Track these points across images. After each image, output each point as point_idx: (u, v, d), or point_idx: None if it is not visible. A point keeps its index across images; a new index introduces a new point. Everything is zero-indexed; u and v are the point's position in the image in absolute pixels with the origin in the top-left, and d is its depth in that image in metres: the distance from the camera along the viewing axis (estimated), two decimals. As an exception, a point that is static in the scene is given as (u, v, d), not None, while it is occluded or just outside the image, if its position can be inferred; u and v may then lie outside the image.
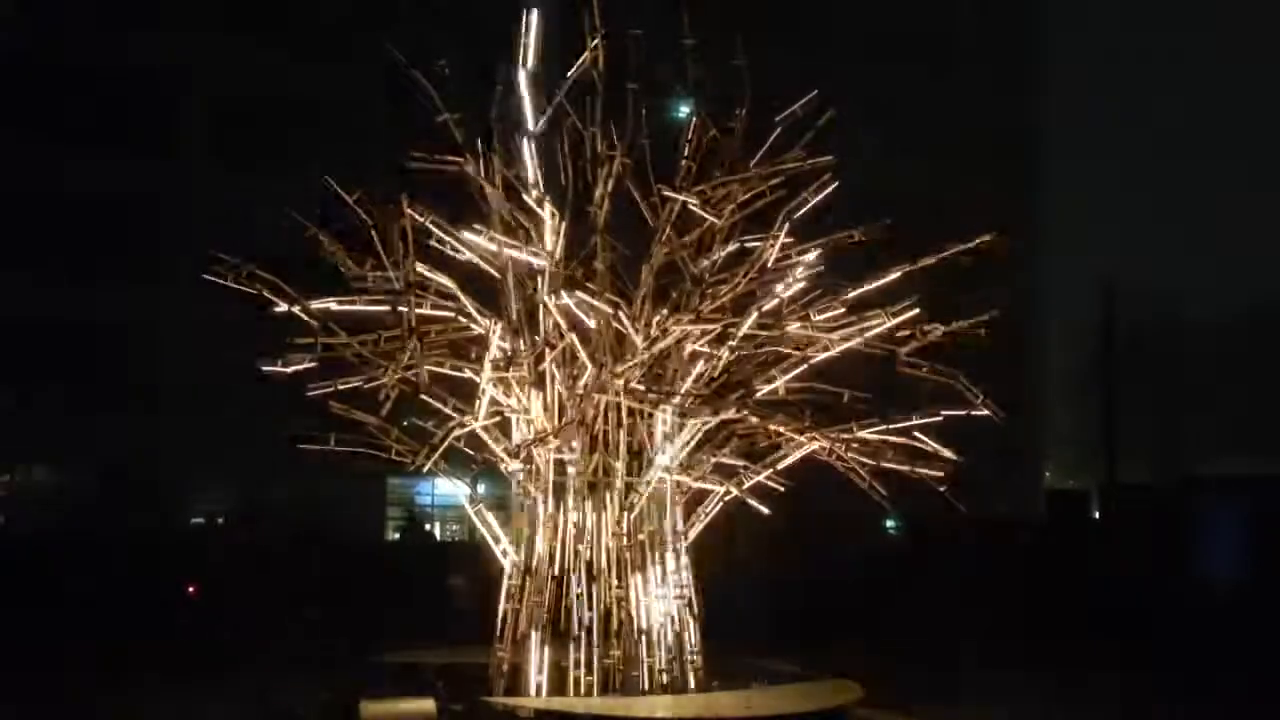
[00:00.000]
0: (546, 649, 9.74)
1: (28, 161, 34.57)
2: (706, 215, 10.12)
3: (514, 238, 10.25)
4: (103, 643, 16.63)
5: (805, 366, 10.19)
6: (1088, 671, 15.86)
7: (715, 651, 10.36)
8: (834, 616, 19.63)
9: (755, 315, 9.94)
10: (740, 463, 10.20)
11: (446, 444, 9.63)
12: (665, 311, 10.24)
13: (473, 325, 10.26)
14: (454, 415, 10.03)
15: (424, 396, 9.97)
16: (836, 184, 10.30)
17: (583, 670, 9.67)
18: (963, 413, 9.90)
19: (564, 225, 10.10)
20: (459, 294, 10.19)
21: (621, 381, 9.89)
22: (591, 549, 9.87)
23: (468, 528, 27.94)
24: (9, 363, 33.98)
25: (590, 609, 9.74)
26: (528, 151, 10.23)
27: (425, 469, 9.93)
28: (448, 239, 10.25)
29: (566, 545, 9.91)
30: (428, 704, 9.92)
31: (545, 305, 10.02)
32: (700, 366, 10.24)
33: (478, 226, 10.29)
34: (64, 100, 35.48)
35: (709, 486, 10.24)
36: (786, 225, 10.05)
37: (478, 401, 10.08)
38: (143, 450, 33.92)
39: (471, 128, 10.23)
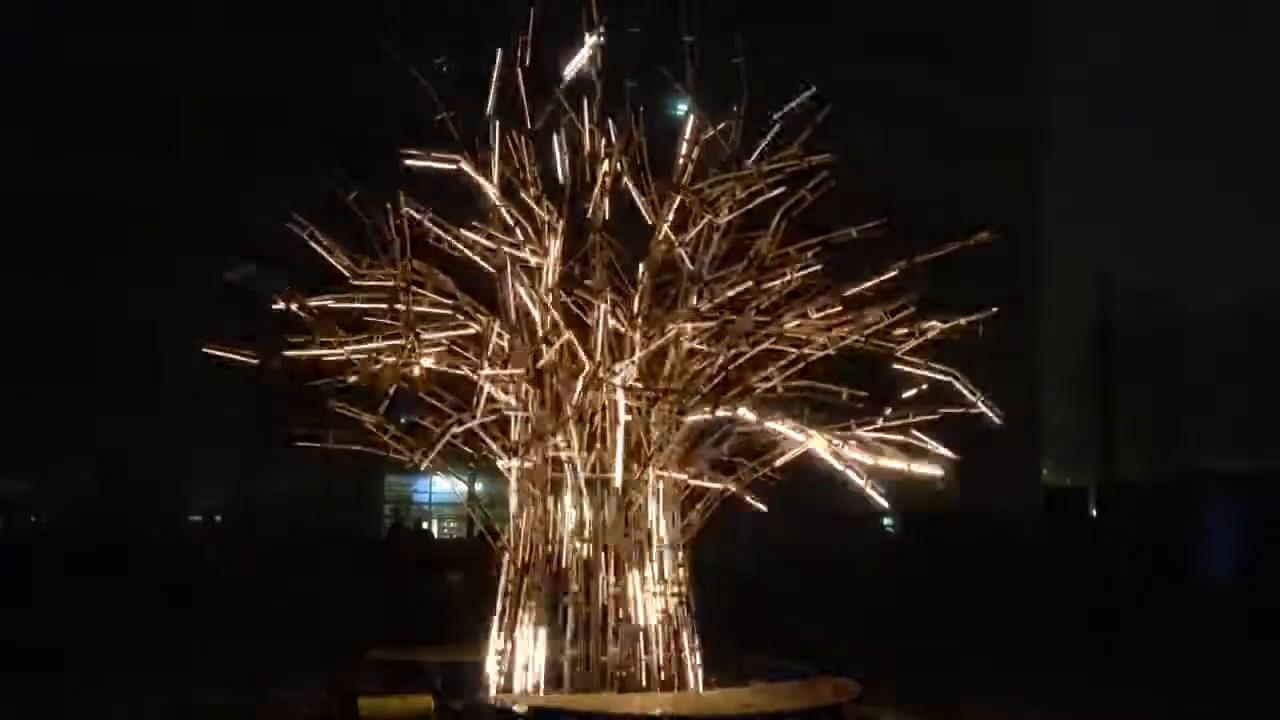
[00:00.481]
0: (544, 646, 9.73)
1: (26, 161, 34.60)
2: (704, 213, 10.12)
3: (512, 235, 10.25)
4: (103, 641, 16.67)
5: (803, 364, 10.19)
6: (1087, 669, 15.87)
7: (713, 649, 10.35)
8: (832, 614, 19.66)
9: (753, 312, 9.93)
10: (738, 459, 10.19)
11: (444, 442, 9.62)
12: (663, 309, 10.24)
13: (470, 323, 10.26)
14: (452, 413, 10.03)
15: (422, 394, 9.97)
16: (835, 183, 10.30)
17: (580, 667, 9.66)
18: (961, 411, 9.88)
19: (562, 223, 10.09)
20: (456, 292, 10.19)
21: (619, 379, 9.89)
22: (589, 546, 9.86)
23: (466, 525, 27.99)
24: (9, 363, 34.01)
25: (587, 606, 9.73)
26: (525, 149, 10.23)
27: (423, 467, 9.92)
28: (445, 237, 10.25)
29: (564, 543, 9.91)
30: (425, 701, 9.93)
31: (543, 303, 10.02)
32: (698, 364, 10.24)
33: (475, 224, 10.30)
34: (62, 99, 35.50)
35: (707, 484, 10.23)
36: (784, 223, 10.05)
37: (475, 399, 10.09)
38: (141, 448, 33.94)
39: (469, 125, 10.23)
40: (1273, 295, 55.40)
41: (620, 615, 9.72)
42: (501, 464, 10.35)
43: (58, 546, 24.48)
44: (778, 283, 10.05)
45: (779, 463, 10.04)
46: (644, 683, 9.69)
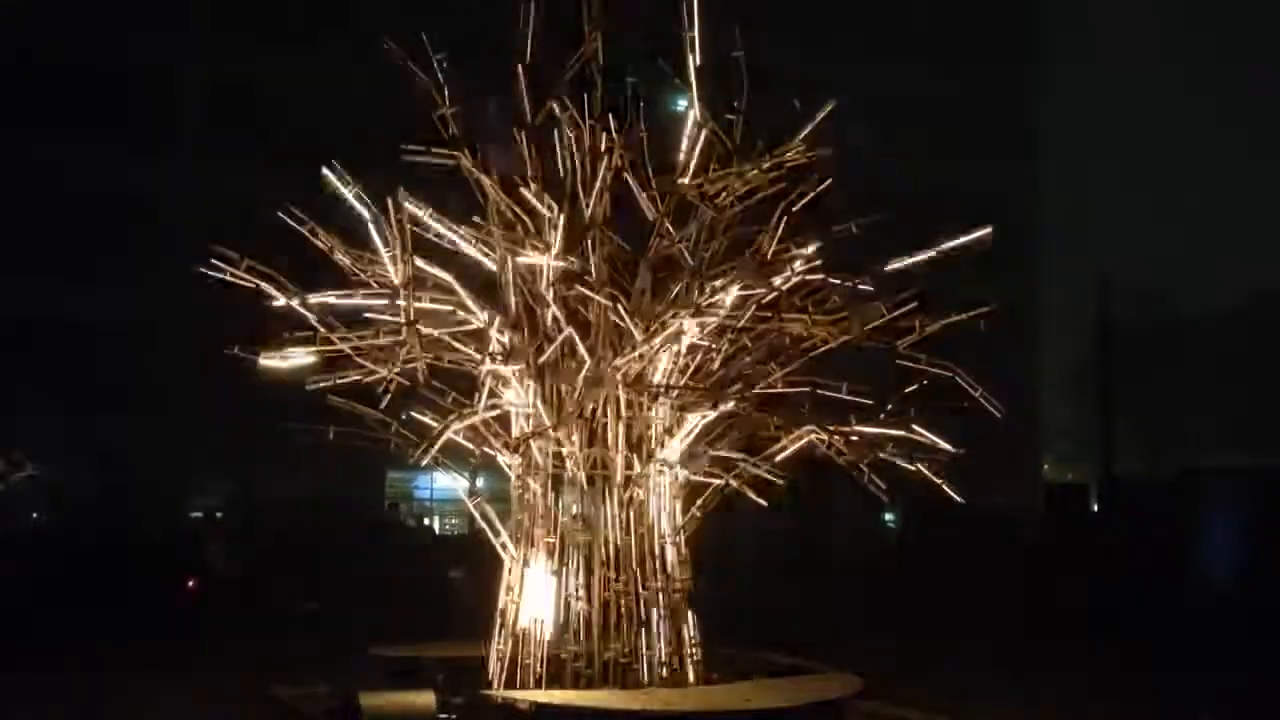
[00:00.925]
0: (545, 642, 9.74)
1: (26, 161, 34.59)
2: (705, 208, 10.13)
3: (512, 231, 10.25)
4: (103, 640, 16.66)
5: (803, 360, 10.21)
6: (1087, 669, 15.87)
7: (715, 644, 10.37)
8: (832, 610, 19.66)
9: (753, 309, 9.94)
10: (739, 455, 10.19)
11: (445, 438, 9.63)
12: (664, 305, 10.24)
13: (471, 319, 10.27)
14: (453, 409, 10.03)
15: (423, 391, 9.98)
16: (835, 178, 10.30)
17: (582, 663, 9.67)
18: (961, 406, 9.89)
19: (562, 219, 10.10)
20: (457, 288, 10.20)
21: (620, 375, 9.90)
22: (590, 542, 9.87)
23: (467, 521, 27.98)
24: (10, 363, 33.99)
25: (589, 602, 9.74)
26: (526, 145, 10.24)
27: (424, 463, 9.92)
28: (446, 233, 10.25)
29: (565, 539, 9.92)
30: (427, 697, 9.93)
31: (544, 299, 10.02)
32: (699, 359, 10.25)
33: (477, 220, 10.30)
34: (59, 97, 35.48)
35: (708, 479, 10.23)
36: (785, 218, 10.06)
37: (476, 395, 10.10)
38: (141, 446, 33.93)
39: (470, 121, 10.23)
40: (1273, 294, 55.42)
41: (622, 611, 9.74)
42: (502, 460, 10.36)
43: (58, 545, 24.46)
44: (779, 278, 10.05)
45: (779, 458, 10.04)
46: (646, 679, 9.71)
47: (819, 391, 10.12)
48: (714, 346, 10.17)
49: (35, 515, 34.45)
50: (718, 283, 10.16)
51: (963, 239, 10.14)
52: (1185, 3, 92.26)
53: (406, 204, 9.53)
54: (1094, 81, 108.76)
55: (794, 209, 10.11)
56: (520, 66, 10.11)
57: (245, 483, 34.39)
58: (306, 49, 37.29)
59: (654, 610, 9.83)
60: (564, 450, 9.96)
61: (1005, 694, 13.32)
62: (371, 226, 9.90)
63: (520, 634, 9.82)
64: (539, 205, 10.21)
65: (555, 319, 9.99)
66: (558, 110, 10.09)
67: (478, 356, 10.13)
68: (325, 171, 9.87)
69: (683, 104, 10.42)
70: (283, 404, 10.24)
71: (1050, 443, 55.17)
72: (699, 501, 10.47)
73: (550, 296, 9.99)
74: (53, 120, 35.31)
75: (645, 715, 9.19)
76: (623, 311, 9.95)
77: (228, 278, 10.07)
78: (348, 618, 17.34)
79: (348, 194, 9.83)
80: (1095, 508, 28.93)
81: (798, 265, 10.06)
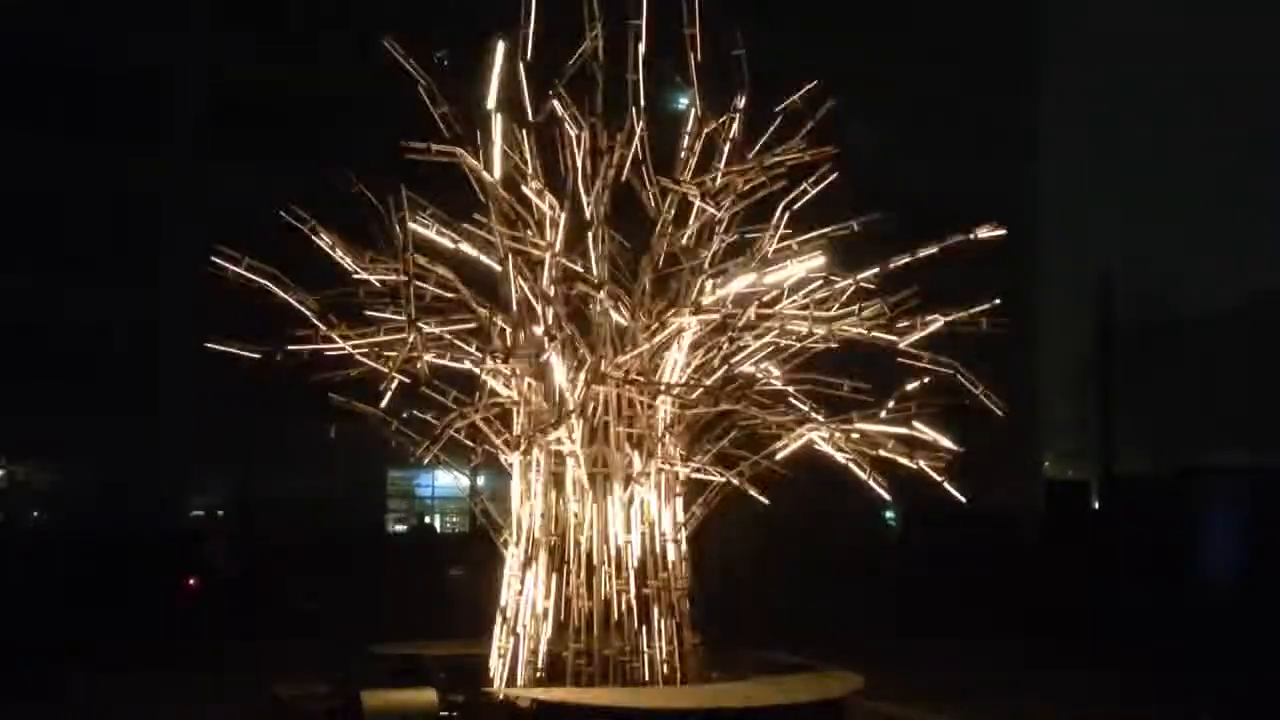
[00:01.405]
0: (546, 640, 9.73)
1: (26, 161, 34.56)
2: (706, 206, 10.13)
3: (514, 229, 10.25)
4: (103, 640, 16.66)
5: (804, 357, 10.21)
6: (1087, 668, 15.87)
7: (714, 643, 10.36)
8: (833, 608, 19.66)
9: (755, 306, 9.94)
10: (740, 453, 10.19)
11: (447, 436, 9.62)
12: (665, 303, 10.24)
13: (472, 317, 10.26)
14: (454, 407, 10.03)
15: (424, 388, 9.97)
16: (836, 175, 10.31)
17: (583, 661, 9.67)
18: (962, 403, 9.89)
19: (564, 216, 10.10)
20: (459, 285, 10.19)
21: (621, 373, 9.89)
22: (592, 540, 9.86)
23: (468, 520, 28.00)
24: (10, 363, 33.97)
25: (590, 600, 9.73)
26: (527, 143, 10.24)
27: (425, 461, 9.91)
28: (447, 231, 10.25)
29: (567, 537, 9.91)
30: (429, 695, 9.93)
31: (545, 296, 10.01)
32: (700, 357, 10.25)
33: (478, 217, 10.30)
34: (59, 98, 35.46)
35: (709, 477, 10.23)
36: (786, 216, 10.06)
37: (478, 393, 10.09)
38: (141, 446, 33.90)
39: (471, 119, 10.23)
40: (1273, 294, 55.43)
41: (623, 609, 9.73)
42: (504, 458, 10.35)
43: (58, 545, 24.47)
44: (780, 276, 10.05)
45: (780, 456, 10.04)
46: (647, 677, 9.70)
47: (820, 389, 10.13)
48: (715, 344, 10.17)
49: (35, 515, 34.49)
50: (719, 280, 10.17)
51: (969, 235, 10.11)
52: (1185, 3, 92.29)
53: (408, 202, 9.52)
54: (1094, 81, 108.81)
55: (794, 207, 10.11)
56: (522, 65, 10.10)
57: (245, 483, 34.38)
58: (306, 49, 37.26)
59: (654, 608, 9.83)
60: (565, 449, 9.95)
61: (1005, 694, 13.32)
62: (372, 224, 9.90)
63: (521, 632, 9.81)
64: (540, 203, 10.21)
65: (556, 317, 9.98)
66: (559, 108, 10.09)
67: (479, 354, 10.13)
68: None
69: (684, 102, 10.43)
70: (283, 403, 10.24)
71: (1050, 441, 55.22)
72: (700, 500, 10.47)
73: (551, 294, 9.98)
74: (53, 120, 35.29)
75: (645, 713, 9.19)
76: (624, 310, 9.94)
77: (230, 276, 10.06)
78: (348, 618, 17.34)
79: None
80: (1095, 506, 28.93)
81: (798, 263, 10.05)
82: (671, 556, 10.08)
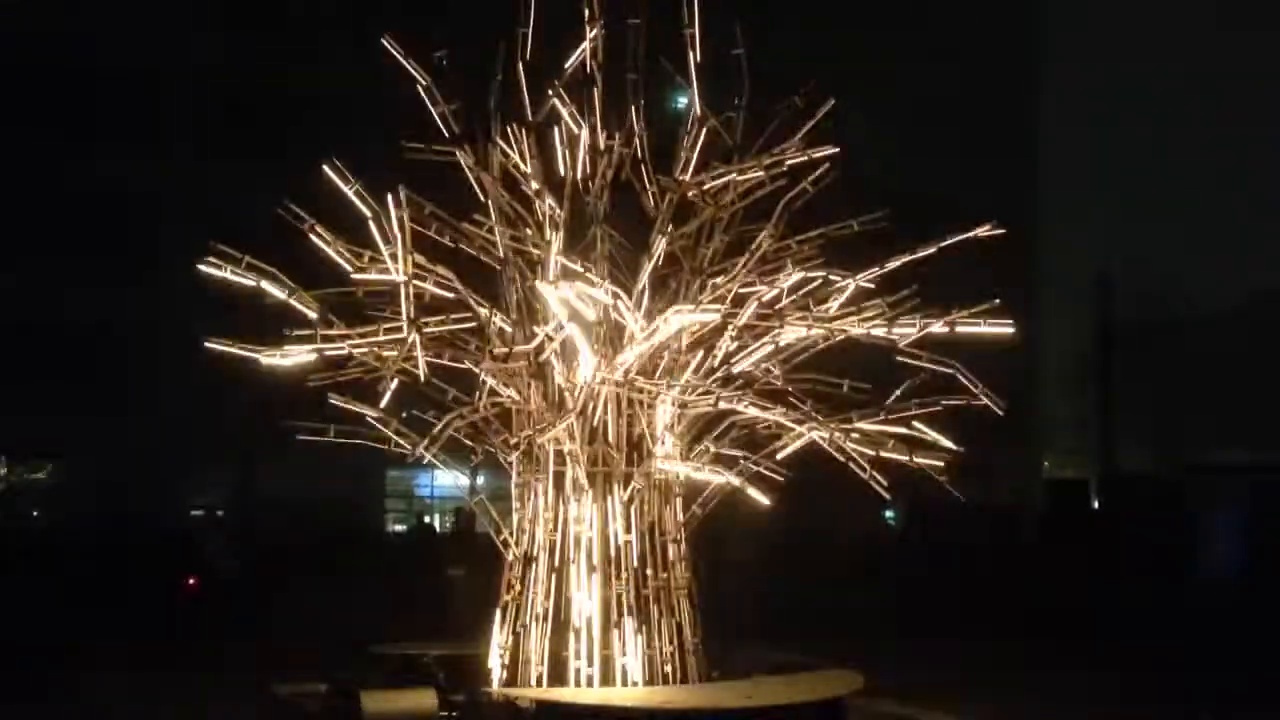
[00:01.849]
0: (546, 640, 9.73)
1: (26, 160, 34.57)
2: (706, 205, 10.12)
3: (513, 228, 10.24)
4: (103, 640, 16.66)
5: (804, 356, 10.21)
6: (1087, 668, 15.86)
7: (716, 642, 10.36)
8: (833, 608, 19.65)
9: (755, 305, 9.93)
10: (740, 453, 10.18)
11: (446, 435, 9.61)
12: (664, 302, 10.23)
13: (472, 316, 10.25)
14: (453, 406, 10.02)
15: (423, 388, 9.95)
16: (836, 175, 10.30)
17: (583, 661, 9.66)
18: (962, 402, 9.88)
19: (563, 216, 10.09)
20: (458, 285, 10.18)
21: (621, 372, 9.89)
22: (591, 540, 9.85)
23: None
24: (10, 363, 33.98)
25: (590, 600, 9.72)
26: (526, 142, 10.23)
27: (425, 461, 9.90)
28: (446, 230, 10.25)
29: (566, 536, 9.90)
30: (428, 695, 9.93)
31: (544, 296, 10.00)
32: (700, 357, 10.24)
33: (477, 217, 10.29)
34: (59, 98, 35.45)
35: (709, 477, 10.22)
36: (785, 215, 10.05)
37: (477, 393, 10.08)
38: (141, 446, 33.91)
39: (470, 118, 10.22)
40: (1273, 294, 55.41)
41: (623, 608, 9.72)
42: (503, 457, 10.34)
43: (58, 545, 24.47)
44: (779, 275, 10.04)
45: (780, 456, 10.03)
46: (647, 677, 9.69)
47: (820, 389, 10.12)
48: (715, 344, 10.16)
49: (35, 515, 34.49)
50: (718, 280, 10.16)
51: (968, 234, 10.11)
52: (1185, 3, 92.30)
53: (407, 201, 9.51)
54: (1094, 81, 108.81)
55: (794, 206, 10.11)
56: (521, 64, 10.10)
57: (245, 482, 34.38)
58: (306, 49, 37.26)
59: (654, 608, 9.82)
60: (565, 448, 9.94)
61: (1005, 694, 13.31)
62: (372, 223, 9.88)
63: (521, 631, 9.80)
64: (540, 202, 10.20)
65: (555, 316, 9.96)
66: (559, 107, 10.08)
67: (478, 354, 10.12)
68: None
69: (683, 101, 10.42)
70: (283, 403, 10.24)
71: (1050, 440, 55.21)
72: (700, 499, 10.46)
73: (551, 293, 9.95)
74: (52, 120, 35.29)
75: (645, 713, 9.18)
76: (623, 308, 9.94)
77: (228, 275, 10.05)
78: (348, 617, 17.33)
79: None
80: (1095, 505, 28.93)
81: (798, 262, 10.04)
82: (671, 556, 10.07)
